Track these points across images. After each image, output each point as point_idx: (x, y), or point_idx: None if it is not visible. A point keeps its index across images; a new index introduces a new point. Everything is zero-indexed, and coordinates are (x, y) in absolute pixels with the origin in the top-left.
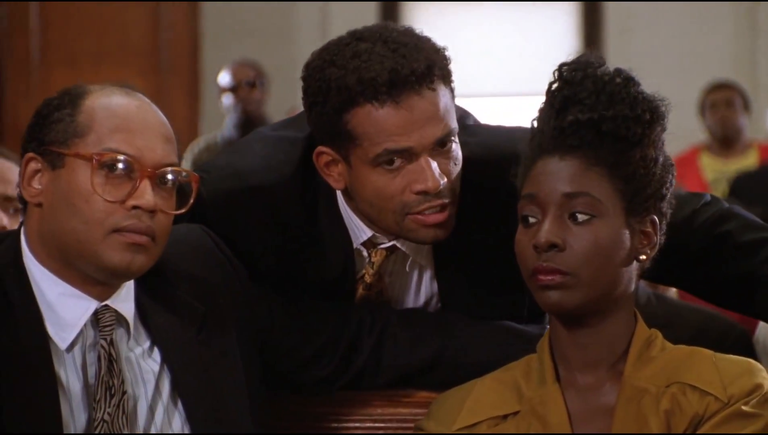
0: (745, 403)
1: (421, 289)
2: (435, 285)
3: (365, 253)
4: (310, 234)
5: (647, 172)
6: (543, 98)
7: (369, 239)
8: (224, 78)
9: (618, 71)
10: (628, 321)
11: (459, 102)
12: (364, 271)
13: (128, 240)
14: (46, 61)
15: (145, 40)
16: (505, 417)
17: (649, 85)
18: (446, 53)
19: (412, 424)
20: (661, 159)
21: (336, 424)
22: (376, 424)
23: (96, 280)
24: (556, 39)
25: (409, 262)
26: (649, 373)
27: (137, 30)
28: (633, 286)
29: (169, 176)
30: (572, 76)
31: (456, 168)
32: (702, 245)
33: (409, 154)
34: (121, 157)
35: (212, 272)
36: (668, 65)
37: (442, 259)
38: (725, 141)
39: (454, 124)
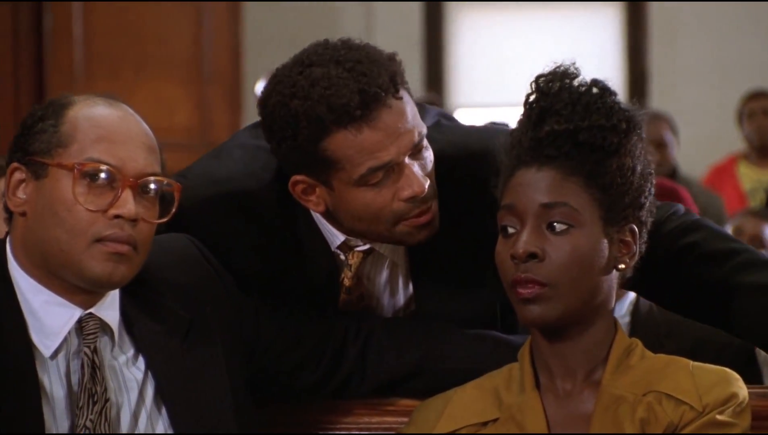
0: (720, 412)
1: (399, 290)
2: (411, 286)
3: (342, 257)
4: (290, 240)
5: (624, 182)
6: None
7: (344, 242)
8: (261, 87)
9: (594, 81)
10: (608, 329)
11: (506, 106)
12: (343, 275)
13: (110, 249)
14: (89, 71)
15: (186, 49)
16: (484, 424)
17: (691, 92)
18: (396, 57)
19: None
20: (639, 168)
21: (321, 433)
22: (362, 433)
23: (80, 288)
24: (601, 42)
25: (387, 264)
26: (627, 381)
27: (179, 39)
28: (613, 295)
29: (152, 186)
30: (548, 88)
31: (431, 165)
32: (668, 254)
33: (391, 166)
34: (104, 167)
35: (198, 281)
36: (710, 71)
37: (417, 259)
38: (763, 150)
39: (424, 127)
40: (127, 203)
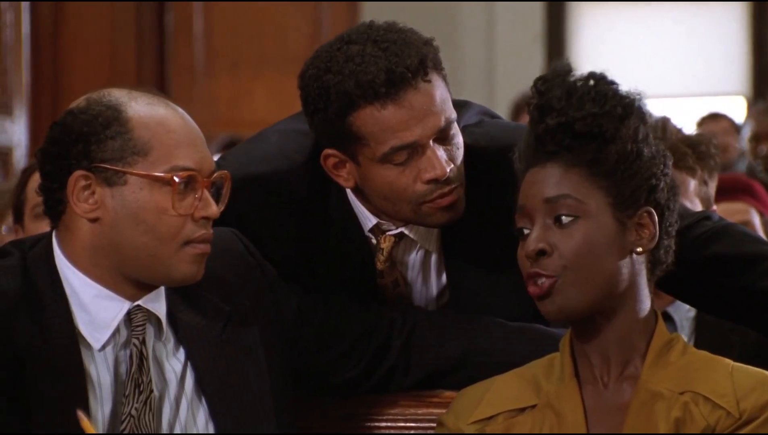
0: (761, 423)
1: (431, 277)
2: (444, 274)
3: (374, 241)
4: (323, 222)
5: (628, 167)
6: (708, 99)
7: (376, 226)
8: None
9: (591, 74)
10: (644, 320)
11: None
12: (376, 259)
13: (199, 251)
14: (209, 68)
15: (304, 46)
16: (522, 410)
17: None
18: (434, 43)
19: None
20: (645, 151)
21: (368, 424)
22: (408, 424)
23: (130, 282)
24: (724, 39)
25: (417, 249)
26: (665, 377)
27: (297, 37)
28: (641, 281)
29: (217, 182)
30: (544, 87)
31: (459, 152)
32: (697, 259)
33: (415, 147)
34: (192, 174)
35: (239, 274)
36: None
37: (451, 248)
38: None
39: (453, 112)
40: (211, 204)
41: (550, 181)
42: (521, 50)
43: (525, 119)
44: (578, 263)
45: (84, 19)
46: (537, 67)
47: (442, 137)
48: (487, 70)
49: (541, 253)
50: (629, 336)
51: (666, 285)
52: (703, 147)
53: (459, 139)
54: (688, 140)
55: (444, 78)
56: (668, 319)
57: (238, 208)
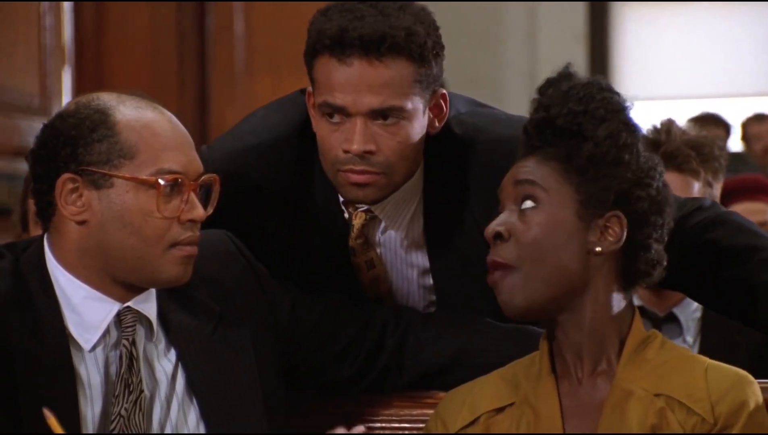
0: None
1: (411, 260)
2: (426, 258)
3: (346, 215)
4: (306, 194)
5: (600, 167)
6: (752, 99)
7: (349, 200)
8: None
9: (590, 79)
10: (616, 317)
11: (671, 104)
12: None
13: (185, 253)
14: (250, 68)
15: None
16: (501, 409)
17: None
18: (432, 36)
19: None
20: (626, 157)
21: (364, 424)
22: (403, 425)
23: (119, 284)
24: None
25: (391, 233)
26: (640, 375)
27: None
28: (602, 282)
29: (206, 184)
30: (544, 88)
31: (396, 143)
32: (691, 250)
33: (346, 113)
34: (178, 178)
35: (231, 274)
36: None
37: (434, 233)
38: None
39: (402, 104)
40: (197, 207)
41: (525, 168)
42: (563, 50)
43: None
44: (531, 253)
45: (126, 22)
46: (579, 68)
47: (381, 121)
48: (529, 70)
49: (499, 237)
50: (599, 333)
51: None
52: (707, 149)
53: (405, 133)
54: (691, 142)
55: (418, 72)
56: (674, 319)
57: (227, 185)
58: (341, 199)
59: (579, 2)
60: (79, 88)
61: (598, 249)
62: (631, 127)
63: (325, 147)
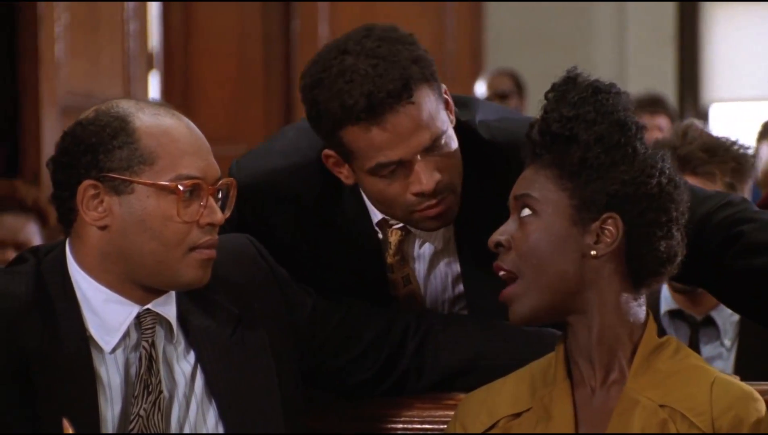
0: None
1: (445, 273)
2: (458, 266)
3: (380, 235)
4: (336, 215)
5: (592, 171)
6: None
7: (382, 219)
8: (480, 88)
9: (589, 82)
10: (628, 324)
11: (762, 105)
12: (386, 253)
13: (204, 256)
14: None
15: (429, 49)
16: (518, 414)
17: None
18: (425, 55)
19: None
20: (618, 159)
21: (384, 426)
22: (424, 426)
23: (139, 287)
24: None
25: (424, 243)
26: (648, 385)
27: (421, 39)
28: (606, 285)
29: (223, 188)
30: (546, 95)
31: (451, 160)
32: (716, 244)
33: (401, 163)
34: (197, 183)
35: (251, 278)
36: None
37: (465, 242)
38: None
39: (442, 125)
40: (216, 211)
41: (524, 180)
42: (653, 51)
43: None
44: (528, 261)
45: (213, 25)
46: (669, 69)
47: (431, 149)
48: (618, 72)
49: (499, 246)
50: (609, 336)
51: (683, 274)
52: (722, 150)
53: (452, 146)
54: (705, 145)
55: (435, 88)
56: (712, 323)
57: (255, 203)
58: (374, 220)
59: (668, 2)
60: (167, 93)
61: (593, 252)
62: (626, 128)
63: (388, 200)
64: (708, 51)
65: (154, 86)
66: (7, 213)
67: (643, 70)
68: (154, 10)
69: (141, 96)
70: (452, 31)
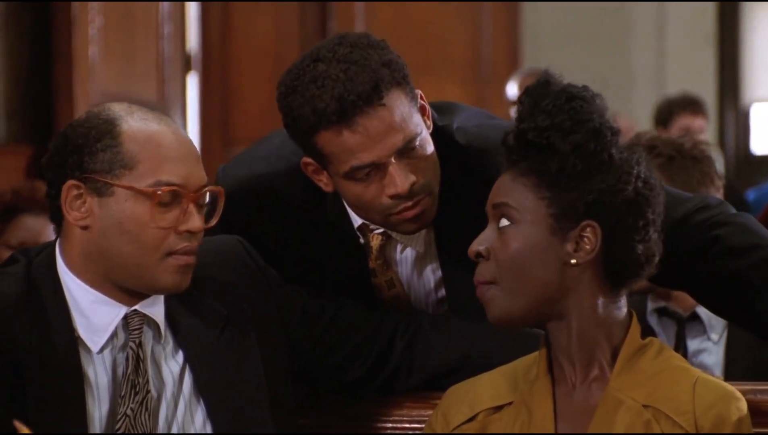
0: None
1: (427, 276)
2: (439, 270)
3: (361, 240)
4: (319, 221)
5: (570, 181)
6: None
7: (363, 224)
8: (511, 89)
9: (563, 88)
10: (608, 325)
11: None
12: (368, 258)
13: (182, 262)
14: None
15: (465, 49)
16: (499, 408)
17: None
18: (397, 60)
19: None
20: (595, 167)
21: (373, 425)
22: (413, 425)
23: (126, 289)
24: None
25: (405, 248)
26: (632, 385)
27: (458, 40)
28: (586, 290)
29: (207, 197)
30: (519, 99)
31: (426, 163)
32: (694, 247)
33: (376, 165)
34: (175, 189)
35: (240, 279)
36: None
37: (445, 247)
38: None
39: (415, 128)
40: (195, 219)
41: (501, 188)
42: (692, 51)
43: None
44: (509, 270)
45: (250, 26)
46: (709, 69)
47: (405, 151)
48: (657, 72)
49: (479, 256)
50: (587, 339)
51: (662, 277)
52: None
53: (427, 150)
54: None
55: (407, 92)
56: (697, 318)
57: (241, 208)
58: (355, 224)
59: (708, 2)
60: (205, 94)
61: (573, 261)
62: (602, 135)
63: (364, 203)
64: (748, 50)
65: (192, 87)
66: (27, 214)
67: (682, 70)
68: (192, 11)
69: (176, 98)
70: (488, 31)
